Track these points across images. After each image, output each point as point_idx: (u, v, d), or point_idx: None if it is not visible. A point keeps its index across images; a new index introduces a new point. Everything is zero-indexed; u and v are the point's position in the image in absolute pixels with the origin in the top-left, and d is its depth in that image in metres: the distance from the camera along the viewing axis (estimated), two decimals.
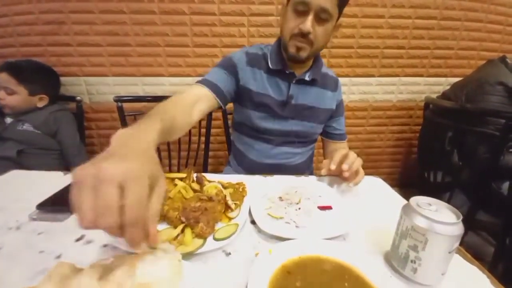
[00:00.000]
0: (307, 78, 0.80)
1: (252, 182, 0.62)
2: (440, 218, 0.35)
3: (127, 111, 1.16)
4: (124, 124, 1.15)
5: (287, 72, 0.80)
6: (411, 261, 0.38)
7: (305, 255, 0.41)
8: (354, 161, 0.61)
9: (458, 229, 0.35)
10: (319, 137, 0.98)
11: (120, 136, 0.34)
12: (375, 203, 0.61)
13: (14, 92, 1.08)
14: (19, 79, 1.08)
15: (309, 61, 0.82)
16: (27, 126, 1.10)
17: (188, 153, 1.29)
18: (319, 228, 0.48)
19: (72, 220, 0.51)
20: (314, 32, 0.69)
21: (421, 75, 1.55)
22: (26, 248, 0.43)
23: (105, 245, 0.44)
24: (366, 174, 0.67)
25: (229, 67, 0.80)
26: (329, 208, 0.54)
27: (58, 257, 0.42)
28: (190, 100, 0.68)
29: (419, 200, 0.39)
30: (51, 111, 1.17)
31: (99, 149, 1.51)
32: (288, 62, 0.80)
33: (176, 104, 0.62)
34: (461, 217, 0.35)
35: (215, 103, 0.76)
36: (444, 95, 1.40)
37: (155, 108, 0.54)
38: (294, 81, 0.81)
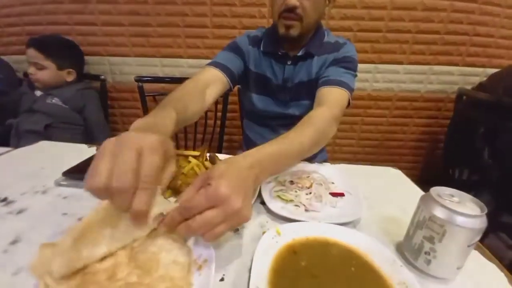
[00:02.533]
0: (300, 53, 0.75)
1: None
2: (463, 209, 0.33)
3: (147, 92, 1.19)
4: (144, 103, 1.19)
5: (279, 53, 0.76)
6: (425, 253, 0.36)
7: (313, 236, 0.40)
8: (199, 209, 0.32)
9: (480, 222, 0.32)
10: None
11: (139, 124, 0.36)
12: (390, 193, 0.59)
13: (43, 67, 1.13)
14: (46, 54, 1.13)
15: (305, 38, 0.75)
16: (56, 100, 1.16)
17: (203, 136, 1.31)
18: (329, 213, 0.47)
19: None
20: (302, 5, 0.65)
21: (456, 64, 1.41)
22: (50, 211, 0.47)
23: None
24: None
25: (236, 49, 0.79)
26: (341, 195, 0.52)
27: (80, 219, 0.44)
28: (202, 85, 0.68)
29: (440, 191, 0.36)
30: (78, 88, 1.22)
31: (122, 128, 1.58)
32: (283, 43, 0.76)
33: (188, 91, 0.63)
34: (486, 210, 0.33)
35: (227, 84, 0.76)
36: (480, 87, 1.28)
37: (168, 97, 0.55)
38: (288, 63, 0.77)
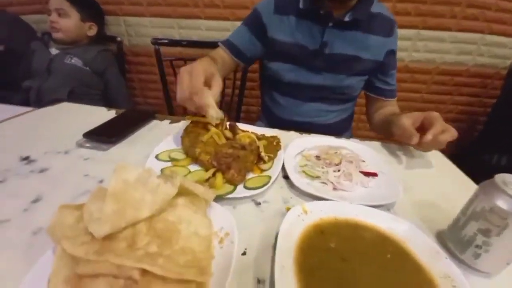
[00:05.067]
0: (346, 19, 0.65)
1: (286, 138, 0.57)
2: None
3: (164, 56, 1.13)
4: (161, 69, 1.14)
5: (321, 12, 0.66)
6: (476, 246, 0.31)
7: (342, 217, 0.37)
8: (443, 131, 0.51)
9: None
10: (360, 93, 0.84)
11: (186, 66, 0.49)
12: (429, 176, 0.53)
13: (67, 15, 1.09)
14: (71, 1, 1.09)
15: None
16: (75, 61, 1.12)
17: (221, 105, 1.26)
18: (360, 194, 0.43)
19: (114, 150, 0.53)
20: None
21: None
22: (71, 171, 0.46)
23: None
24: None
25: (254, 21, 0.75)
26: (374, 175, 0.47)
27: (101, 181, 0.44)
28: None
29: (507, 178, 0.30)
30: (98, 50, 1.19)
31: (140, 93, 1.56)
32: (326, 0, 0.65)
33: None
34: None
35: (234, 64, 0.80)
36: None
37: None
38: (330, 24, 0.67)
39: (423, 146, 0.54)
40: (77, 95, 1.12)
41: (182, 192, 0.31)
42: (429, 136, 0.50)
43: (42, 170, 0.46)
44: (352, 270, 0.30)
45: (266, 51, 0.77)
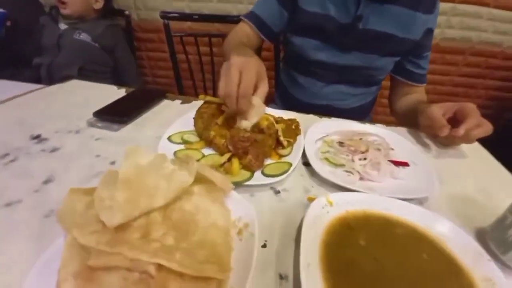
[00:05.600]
0: None
1: (305, 122, 0.53)
2: None
3: (174, 32, 1.07)
4: (171, 45, 1.09)
5: None
6: None
7: (371, 211, 0.33)
8: (477, 126, 0.46)
9: None
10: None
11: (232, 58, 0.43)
12: (466, 168, 0.48)
13: None
14: None
15: None
16: (84, 37, 1.09)
17: None
18: (390, 185, 0.39)
19: (125, 131, 0.51)
20: None
21: None
22: (83, 152, 0.44)
23: None
24: None
25: None
26: (405, 164, 0.43)
27: (113, 163, 0.42)
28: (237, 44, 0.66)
29: None
30: (107, 25, 1.14)
31: (149, 72, 1.52)
32: None
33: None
34: None
35: (259, 41, 0.73)
36: None
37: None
38: None
39: (452, 140, 0.50)
40: (87, 73, 1.11)
41: (198, 179, 0.29)
42: (461, 131, 0.45)
43: (53, 150, 0.44)
44: (385, 271, 0.27)
45: (292, 24, 0.69)
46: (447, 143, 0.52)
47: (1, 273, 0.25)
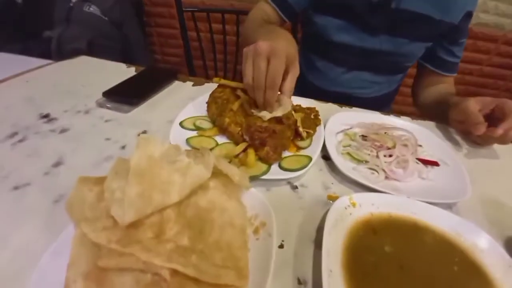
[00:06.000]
0: None
1: (325, 111, 0.49)
2: None
3: (185, 6, 1.01)
4: (182, 21, 1.03)
5: None
6: None
7: (397, 214, 0.31)
8: None
9: None
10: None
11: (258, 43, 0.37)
12: (499, 170, 0.44)
13: None
14: None
15: None
16: (93, 9, 1.06)
17: None
18: (418, 186, 0.36)
19: (135, 113, 0.49)
20: None
21: None
22: (93, 134, 0.43)
23: None
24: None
25: None
26: (435, 164, 0.40)
27: (123, 147, 0.40)
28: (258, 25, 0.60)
29: None
30: None
31: (159, 50, 1.47)
32: None
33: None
34: None
35: (280, 21, 0.66)
36: None
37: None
38: None
39: (486, 139, 0.46)
40: (96, 47, 1.08)
41: (214, 172, 0.26)
42: (499, 131, 0.42)
43: (62, 130, 0.43)
44: (411, 280, 0.25)
45: (315, 1, 0.63)
46: (479, 141, 0.48)
47: (8, 261, 0.25)
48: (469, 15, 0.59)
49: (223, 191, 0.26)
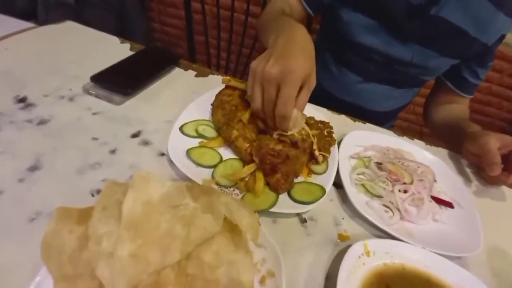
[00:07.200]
0: None
1: (338, 125, 0.45)
2: None
3: None
4: None
5: None
6: None
7: (411, 267, 0.29)
8: None
9: None
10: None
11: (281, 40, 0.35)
12: (504, 212, 0.43)
13: None
14: None
15: None
16: None
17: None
18: (430, 230, 0.34)
19: (128, 106, 0.43)
20: None
21: None
22: (78, 130, 0.37)
23: (162, 154, 0.36)
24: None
25: None
26: (449, 205, 0.38)
27: (113, 151, 0.35)
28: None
29: None
30: None
31: (157, 17, 1.34)
32: None
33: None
34: None
35: (303, 13, 0.59)
36: None
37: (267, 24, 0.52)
38: None
39: (496, 180, 0.45)
40: (86, 6, 0.96)
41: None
42: None
43: (41, 122, 0.37)
44: None
45: None
46: (490, 180, 0.46)
47: None
48: (502, 38, 0.55)
49: (230, 239, 0.23)
